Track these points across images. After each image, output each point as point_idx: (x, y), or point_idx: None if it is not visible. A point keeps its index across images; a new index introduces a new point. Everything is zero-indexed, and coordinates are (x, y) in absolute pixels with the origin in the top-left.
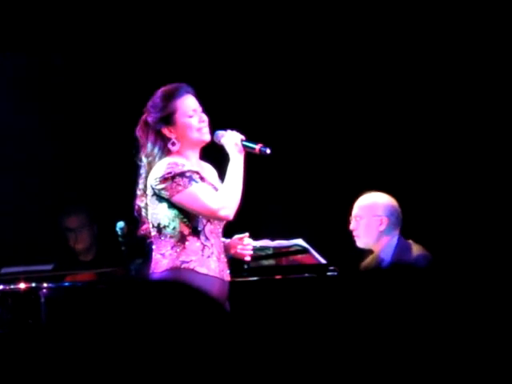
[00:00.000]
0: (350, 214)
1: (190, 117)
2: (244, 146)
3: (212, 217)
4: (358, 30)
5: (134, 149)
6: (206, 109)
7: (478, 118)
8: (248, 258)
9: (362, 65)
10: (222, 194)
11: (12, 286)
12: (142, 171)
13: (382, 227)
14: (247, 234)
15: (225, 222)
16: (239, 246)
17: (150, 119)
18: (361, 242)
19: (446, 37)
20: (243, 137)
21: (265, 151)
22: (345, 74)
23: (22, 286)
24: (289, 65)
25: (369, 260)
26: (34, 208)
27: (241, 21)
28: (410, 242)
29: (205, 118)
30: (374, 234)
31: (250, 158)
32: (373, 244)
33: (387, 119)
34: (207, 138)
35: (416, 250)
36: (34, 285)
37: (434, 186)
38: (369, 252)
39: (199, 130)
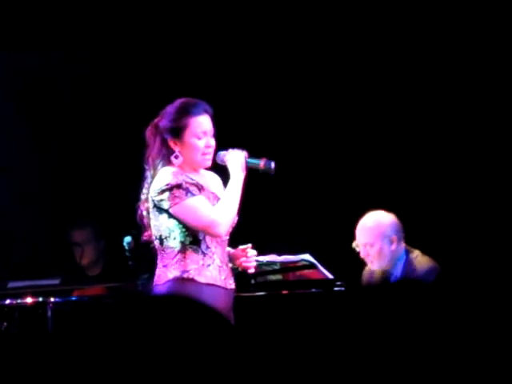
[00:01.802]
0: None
1: (199, 138)
2: (248, 164)
3: (205, 231)
4: (362, 46)
5: (142, 155)
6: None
7: (485, 127)
8: (252, 271)
9: (367, 79)
10: (216, 211)
11: (19, 301)
12: (147, 175)
13: (394, 246)
14: (250, 245)
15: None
16: (243, 259)
17: (160, 124)
18: (376, 266)
19: (446, 42)
20: (246, 154)
21: (270, 165)
22: (348, 88)
23: (29, 300)
24: (294, 82)
25: (374, 273)
26: (41, 222)
27: (246, 35)
28: (418, 252)
29: (212, 143)
30: (387, 256)
31: (256, 172)
32: (388, 264)
33: (391, 131)
34: (208, 164)
35: (424, 262)
36: (41, 299)
37: (440, 195)
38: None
39: (203, 154)
